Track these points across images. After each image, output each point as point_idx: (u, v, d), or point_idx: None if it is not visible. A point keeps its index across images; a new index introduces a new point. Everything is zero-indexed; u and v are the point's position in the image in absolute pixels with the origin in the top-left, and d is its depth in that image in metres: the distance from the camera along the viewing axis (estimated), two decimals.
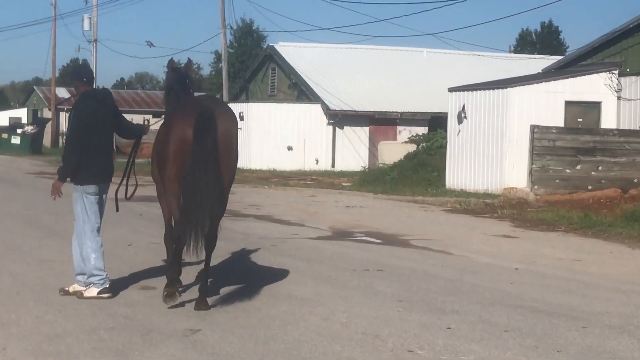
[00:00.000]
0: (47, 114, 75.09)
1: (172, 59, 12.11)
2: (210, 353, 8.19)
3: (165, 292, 10.05)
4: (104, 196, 10.78)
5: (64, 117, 67.01)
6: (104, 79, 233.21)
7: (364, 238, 17.68)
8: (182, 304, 10.18)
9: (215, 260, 13.14)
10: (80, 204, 10.56)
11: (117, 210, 11.35)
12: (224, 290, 11.14)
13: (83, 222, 10.58)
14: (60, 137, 65.97)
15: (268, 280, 12.04)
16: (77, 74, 11.21)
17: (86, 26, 62.02)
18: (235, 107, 46.75)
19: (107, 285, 10.56)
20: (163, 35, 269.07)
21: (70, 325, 9.17)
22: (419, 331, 9.25)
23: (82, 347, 8.30)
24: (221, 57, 55.70)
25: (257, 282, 11.80)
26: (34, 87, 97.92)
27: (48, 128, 68.21)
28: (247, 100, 52.63)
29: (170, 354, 8.13)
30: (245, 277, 12.10)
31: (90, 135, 10.48)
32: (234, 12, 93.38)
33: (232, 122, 10.35)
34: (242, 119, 45.10)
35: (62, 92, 72.59)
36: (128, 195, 11.36)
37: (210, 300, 10.39)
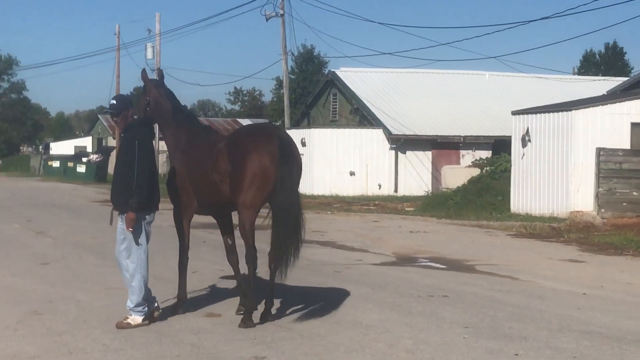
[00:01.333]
0: (112, 142, 76.07)
1: (144, 69, 12.07)
2: None
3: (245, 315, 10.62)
4: (151, 225, 10.85)
5: None
6: None
7: (428, 263, 17.56)
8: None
9: (279, 287, 13.19)
10: (140, 232, 10.59)
11: (111, 224, 11.23)
12: (289, 318, 11.14)
13: (142, 251, 10.65)
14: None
15: (332, 306, 12.01)
16: (126, 102, 11.02)
17: (149, 55, 62.73)
18: (297, 133, 47.02)
19: (147, 313, 10.73)
20: (224, 62, 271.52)
21: (138, 354, 9.22)
22: (485, 358, 9.15)
23: None
24: (282, 84, 55.94)
25: (322, 308, 11.78)
26: (99, 115, 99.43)
27: (112, 156, 68.98)
28: (308, 126, 52.79)
29: None
30: (309, 304, 12.06)
31: (149, 164, 10.58)
32: (295, 39, 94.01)
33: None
34: (304, 145, 45.22)
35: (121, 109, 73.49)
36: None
37: (274, 328, 10.44)
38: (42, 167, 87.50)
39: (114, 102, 10.87)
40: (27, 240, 21.33)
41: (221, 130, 11.46)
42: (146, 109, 11.70)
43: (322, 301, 12.43)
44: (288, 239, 10.68)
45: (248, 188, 10.41)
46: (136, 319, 10.57)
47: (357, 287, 13.83)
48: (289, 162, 10.51)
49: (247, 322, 10.51)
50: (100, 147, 74.84)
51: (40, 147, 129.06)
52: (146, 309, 10.67)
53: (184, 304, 11.53)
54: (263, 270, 11.43)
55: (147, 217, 10.62)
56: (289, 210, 10.59)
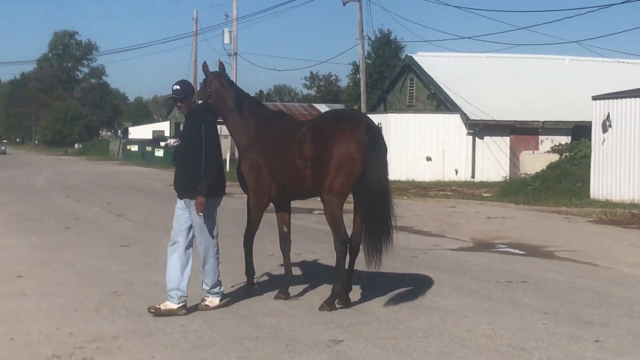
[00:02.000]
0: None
1: (205, 62, 11.96)
2: None
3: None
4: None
5: None
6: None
7: (506, 249, 17.38)
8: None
9: (355, 272, 13.18)
10: (212, 216, 10.58)
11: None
12: (366, 302, 11.11)
13: (214, 235, 10.64)
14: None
15: (410, 291, 11.96)
16: (189, 86, 10.91)
17: (226, 40, 63.15)
18: (374, 118, 46.79)
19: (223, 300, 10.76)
20: (301, 47, 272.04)
21: (216, 335, 9.28)
22: (566, 344, 9.02)
23: (228, 356, 8.38)
24: (359, 68, 55.85)
25: (399, 293, 11.74)
26: None
27: None
28: (385, 111, 52.67)
29: None
30: (386, 289, 12.01)
31: (215, 149, 10.50)
32: (372, 23, 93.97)
33: None
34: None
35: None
36: None
37: (352, 312, 10.44)
38: (121, 151, 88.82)
39: (178, 87, 10.71)
40: (107, 223, 21.64)
41: (297, 115, 11.30)
42: (208, 101, 11.61)
43: (399, 286, 12.37)
44: (379, 226, 10.53)
45: (336, 175, 10.26)
46: (214, 300, 10.66)
47: (434, 272, 13.74)
48: (378, 148, 10.38)
49: (330, 305, 10.51)
50: (178, 132, 74.93)
51: (119, 131, 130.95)
52: (222, 290, 10.75)
53: (252, 287, 11.55)
54: (325, 255, 11.38)
55: (218, 200, 10.68)
56: (379, 198, 10.43)
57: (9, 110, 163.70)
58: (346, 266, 10.84)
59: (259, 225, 11.63)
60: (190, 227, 10.52)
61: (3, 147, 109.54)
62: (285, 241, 11.60)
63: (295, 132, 10.86)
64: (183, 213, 10.54)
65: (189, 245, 10.58)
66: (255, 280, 11.80)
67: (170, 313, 10.21)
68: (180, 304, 10.35)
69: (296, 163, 10.66)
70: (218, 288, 10.68)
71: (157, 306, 10.31)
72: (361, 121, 10.56)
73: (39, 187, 38.64)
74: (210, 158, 10.38)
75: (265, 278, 12.98)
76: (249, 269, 11.59)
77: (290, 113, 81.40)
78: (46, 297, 11.39)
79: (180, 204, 10.58)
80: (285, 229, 11.60)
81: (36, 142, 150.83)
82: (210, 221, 10.54)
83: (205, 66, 11.81)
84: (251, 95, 12.13)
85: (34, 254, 15.61)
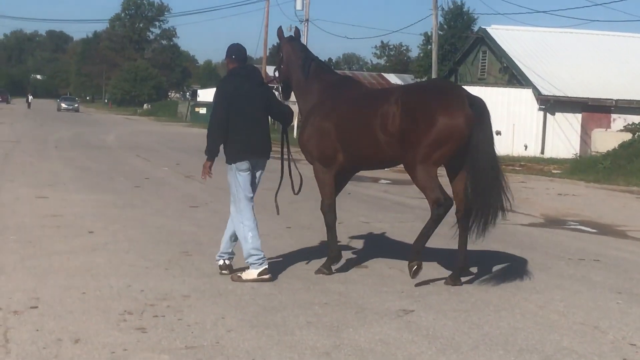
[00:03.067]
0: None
1: (280, 27, 11.78)
2: (424, 334, 8.07)
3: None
4: (258, 173, 10.53)
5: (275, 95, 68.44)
6: None
7: (578, 227, 17.15)
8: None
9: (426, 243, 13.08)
10: (234, 182, 10.37)
11: (278, 213, 11.22)
12: (436, 274, 11.03)
13: (239, 200, 10.35)
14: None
15: (480, 265, 11.84)
16: (227, 51, 10.69)
17: (298, 6, 62.90)
18: None
19: (266, 266, 10.17)
20: (372, 16, 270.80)
21: (285, 299, 9.26)
22: None
23: (297, 321, 8.35)
24: (430, 39, 55.42)
25: (470, 266, 11.61)
26: None
27: None
28: (455, 83, 52.23)
29: (384, 333, 8.06)
30: (456, 262, 11.89)
31: (234, 113, 10.23)
32: None
33: None
34: None
35: (272, 71, 74.03)
36: (296, 189, 11.01)
37: (422, 283, 10.34)
38: (190, 113, 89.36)
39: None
40: (176, 183, 21.79)
41: (365, 84, 10.96)
42: (280, 66, 11.51)
43: (470, 259, 12.23)
44: (495, 202, 10.25)
45: (437, 147, 9.81)
46: (249, 272, 10.14)
47: (505, 247, 13.60)
48: (485, 122, 10.08)
49: (455, 280, 10.40)
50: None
51: (188, 93, 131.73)
52: (261, 259, 10.13)
53: (336, 260, 10.98)
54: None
55: (240, 165, 10.31)
56: (493, 173, 10.14)
57: (81, 69, 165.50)
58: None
59: (335, 196, 11.11)
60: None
61: (76, 105, 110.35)
62: (334, 214, 11.01)
63: (377, 103, 10.35)
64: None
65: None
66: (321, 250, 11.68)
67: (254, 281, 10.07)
68: (248, 270, 10.22)
69: (376, 136, 10.19)
70: (254, 259, 10.11)
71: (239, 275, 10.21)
72: (463, 93, 10.17)
73: (109, 145, 39.05)
74: (213, 121, 10.32)
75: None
76: (333, 244, 10.94)
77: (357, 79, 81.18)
78: (117, 253, 11.48)
79: None
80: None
81: (106, 101, 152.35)
82: (233, 187, 10.41)
83: (279, 31, 11.68)
84: (321, 60, 11.79)
85: (105, 210, 15.75)
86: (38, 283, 9.52)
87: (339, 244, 11.23)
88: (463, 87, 10.44)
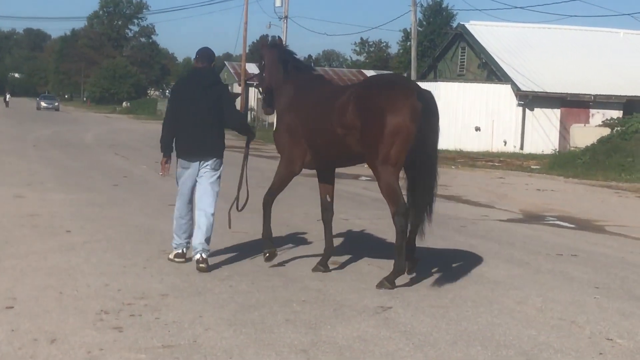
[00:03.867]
0: (237, 89, 76.72)
1: (264, 35, 12.20)
2: (402, 331, 8.07)
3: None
4: (204, 170, 10.87)
5: (253, 93, 68.45)
6: None
7: (556, 222, 17.21)
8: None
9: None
10: (177, 175, 11.09)
11: (230, 227, 11.42)
12: (415, 270, 11.01)
13: (179, 192, 11.08)
14: (248, 112, 67.26)
15: (458, 261, 11.88)
16: (196, 53, 11.19)
17: (278, 3, 62.88)
18: (423, 86, 46.50)
19: (181, 251, 10.95)
20: (352, 12, 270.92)
21: (264, 297, 9.24)
22: (617, 319, 8.89)
23: (275, 318, 8.34)
24: (410, 35, 55.51)
25: (448, 263, 11.66)
26: (225, 62, 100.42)
27: (238, 103, 69.60)
28: (435, 79, 52.32)
29: (362, 330, 8.06)
30: (435, 258, 11.93)
31: (179, 113, 10.79)
32: None
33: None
34: None
35: (252, 68, 73.84)
36: (239, 207, 11.24)
37: (400, 279, 10.32)
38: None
39: None
40: (155, 182, 21.67)
41: (344, 81, 11.01)
42: (262, 74, 11.50)
43: (448, 255, 12.29)
44: (428, 196, 10.08)
45: (391, 145, 9.65)
46: (173, 252, 11.06)
47: (483, 243, 13.64)
48: (432, 115, 9.90)
49: (391, 283, 9.97)
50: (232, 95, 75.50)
51: (167, 91, 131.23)
52: (176, 245, 11.02)
53: (268, 244, 10.92)
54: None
55: (180, 162, 10.99)
56: (430, 167, 9.98)
57: (59, 67, 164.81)
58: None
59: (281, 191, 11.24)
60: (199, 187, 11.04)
61: (57, 104, 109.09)
62: (327, 212, 11.13)
63: (335, 98, 10.38)
64: None
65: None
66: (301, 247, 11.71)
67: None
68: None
69: (335, 130, 10.20)
70: (173, 242, 11.08)
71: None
72: (412, 87, 10.09)
73: (87, 143, 38.91)
74: (164, 121, 11.13)
75: (315, 242, 12.92)
76: (267, 233, 11.00)
77: (339, 79, 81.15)
78: (95, 252, 11.42)
79: None
80: (329, 199, 11.18)
81: (84, 99, 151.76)
82: (177, 179, 11.15)
83: (262, 40, 11.78)
84: (299, 60, 11.73)
85: (83, 209, 15.68)
86: (15, 283, 9.47)
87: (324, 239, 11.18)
88: (413, 80, 10.33)
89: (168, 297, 9.07)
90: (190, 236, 10.93)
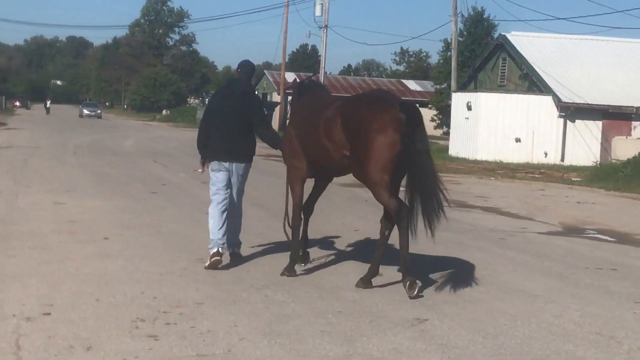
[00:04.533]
0: (276, 98, 76.89)
1: (295, 80, 12.76)
2: (438, 344, 8.01)
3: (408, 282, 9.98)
4: (235, 174, 11.57)
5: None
6: (332, 65, 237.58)
7: (596, 235, 17.02)
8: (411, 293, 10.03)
9: (441, 251, 13.05)
10: (211, 178, 11.61)
11: (289, 239, 11.48)
12: (451, 282, 10.94)
13: (210, 192, 11.62)
14: (286, 121, 67.34)
15: (496, 273, 11.78)
16: (238, 65, 12.05)
17: (317, 12, 62.88)
18: (464, 97, 46.46)
19: (216, 250, 11.10)
20: (392, 22, 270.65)
21: (299, 307, 9.21)
22: None
23: (310, 329, 8.31)
24: (450, 46, 55.25)
25: (486, 275, 11.57)
26: (265, 71, 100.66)
27: (277, 111, 69.65)
28: (475, 89, 52.07)
29: (397, 342, 8.01)
30: (472, 270, 11.85)
31: (212, 120, 11.58)
32: (466, 0, 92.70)
33: None
34: (469, 108, 44.63)
35: (291, 77, 74.03)
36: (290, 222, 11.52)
37: (437, 291, 10.29)
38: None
39: None
40: (193, 190, 21.75)
41: (328, 93, 11.39)
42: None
43: (486, 268, 12.19)
44: (431, 203, 10.00)
45: (376, 156, 9.78)
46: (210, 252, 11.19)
47: (522, 255, 13.53)
48: (416, 126, 9.86)
49: (365, 284, 10.33)
50: (265, 102, 75.67)
51: (207, 99, 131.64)
52: (212, 244, 11.19)
53: (293, 266, 11.04)
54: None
55: (212, 165, 11.59)
56: (424, 178, 9.94)
57: (100, 74, 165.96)
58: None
59: (301, 202, 11.36)
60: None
61: (99, 111, 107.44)
62: (299, 218, 11.27)
63: (322, 113, 10.57)
64: None
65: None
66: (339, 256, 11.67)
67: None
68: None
69: (322, 143, 10.44)
70: (210, 246, 11.26)
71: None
72: (394, 100, 10.12)
73: (126, 150, 39.11)
74: (199, 128, 11.85)
75: (351, 251, 12.88)
76: (294, 245, 11.20)
77: (378, 88, 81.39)
78: (132, 260, 11.46)
79: None
80: (312, 204, 11.65)
81: (125, 106, 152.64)
82: (210, 181, 11.70)
83: (295, 84, 12.34)
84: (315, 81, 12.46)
85: (121, 216, 15.75)
86: (52, 290, 9.52)
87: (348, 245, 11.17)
88: (396, 96, 10.43)
89: (203, 306, 9.06)
90: (224, 235, 11.34)
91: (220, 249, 11.14)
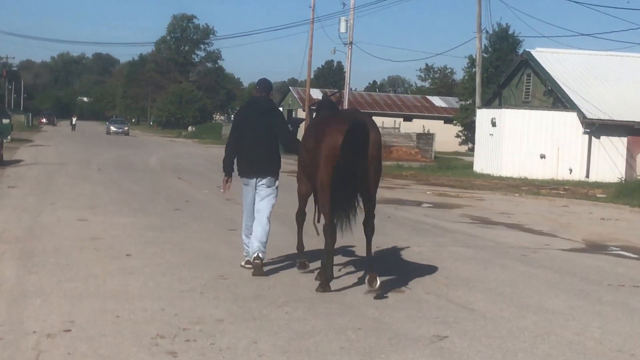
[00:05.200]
0: (301, 114, 76.97)
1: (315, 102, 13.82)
2: None
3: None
4: (263, 187, 12.29)
5: None
6: (356, 81, 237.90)
7: (619, 252, 16.93)
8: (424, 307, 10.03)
9: (463, 268, 13.06)
10: (242, 192, 12.50)
11: (317, 234, 11.89)
12: (472, 299, 10.94)
13: (243, 208, 12.52)
14: None
15: (518, 290, 11.75)
16: (256, 83, 12.91)
17: (342, 29, 62.87)
18: (488, 113, 46.38)
19: (249, 259, 12.16)
20: (417, 38, 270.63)
21: (319, 324, 9.22)
22: None
23: (330, 346, 8.31)
24: (475, 62, 55.21)
25: (507, 292, 11.55)
26: (290, 87, 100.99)
27: (302, 128, 69.69)
28: (500, 106, 52.01)
29: (416, 359, 8.00)
30: (494, 286, 11.83)
31: (240, 136, 12.30)
32: (490, 17, 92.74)
33: (379, 134, 11.20)
34: (494, 125, 44.55)
35: (317, 94, 74.09)
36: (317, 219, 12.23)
37: (457, 308, 10.29)
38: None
39: None
40: (216, 206, 21.82)
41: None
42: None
43: (507, 284, 12.16)
44: (342, 205, 11.08)
45: (321, 167, 10.95)
46: (244, 260, 12.45)
47: (544, 272, 13.49)
48: (360, 144, 10.70)
49: (324, 287, 11.01)
50: (290, 119, 75.77)
51: (232, 116, 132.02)
52: (245, 254, 12.40)
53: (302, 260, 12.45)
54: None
55: (242, 180, 12.43)
56: (345, 182, 10.87)
57: (126, 91, 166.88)
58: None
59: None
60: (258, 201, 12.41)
61: (126, 128, 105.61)
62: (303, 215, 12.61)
63: (309, 128, 12.10)
64: None
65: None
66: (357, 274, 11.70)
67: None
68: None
69: (304, 155, 11.90)
70: (244, 252, 12.50)
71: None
72: (347, 120, 10.92)
73: (151, 167, 39.28)
74: (226, 144, 12.68)
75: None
76: (299, 245, 12.54)
77: (403, 105, 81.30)
78: (153, 276, 11.51)
79: None
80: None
81: (151, 123, 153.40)
82: (243, 194, 12.54)
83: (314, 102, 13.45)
84: (331, 105, 13.14)
85: (144, 233, 15.83)
86: (73, 306, 9.58)
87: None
88: (361, 114, 11.59)
89: (223, 323, 9.09)
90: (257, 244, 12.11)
91: (253, 258, 11.99)
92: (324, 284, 11.00)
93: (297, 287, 11.11)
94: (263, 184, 12.27)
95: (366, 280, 10.99)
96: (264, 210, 12.22)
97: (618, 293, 12.03)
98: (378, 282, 10.80)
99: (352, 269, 12.86)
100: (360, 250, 13.13)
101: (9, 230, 15.54)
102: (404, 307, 10.27)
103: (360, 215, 11.22)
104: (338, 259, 12.98)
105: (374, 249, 11.50)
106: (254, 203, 12.31)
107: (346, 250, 14.16)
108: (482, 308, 10.45)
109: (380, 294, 10.77)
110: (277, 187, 12.39)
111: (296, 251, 12.68)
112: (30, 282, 10.86)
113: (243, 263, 12.43)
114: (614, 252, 17.01)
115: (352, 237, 11.83)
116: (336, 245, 11.29)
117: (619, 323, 10.01)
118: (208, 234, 16.17)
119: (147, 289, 10.70)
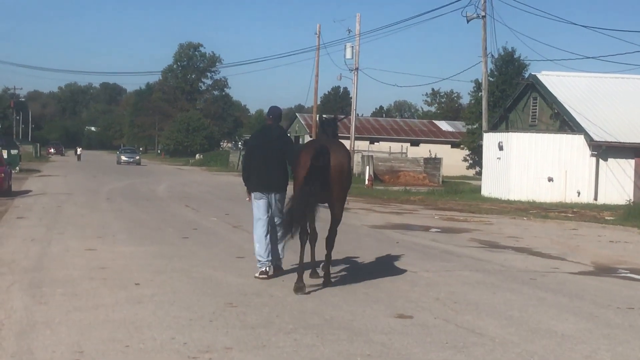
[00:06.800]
0: (308, 139, 77.13)
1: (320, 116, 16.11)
2: None
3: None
4: (273, 202, 14.31)
5: None
6: (363, 106, 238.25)
7: (628, 275, 16.89)
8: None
9: (471, 292, 13.05)
10: (253, 206, 14.41)
11: (292, 238, 13.45)
12: (481, 324, 10.93)
13: (254, 218, 14.38)
14: None
15: (527, 314, 11.73)
16: (267, 111, 14.97)
17: (348, 55, 63.16)
18: (495, 137, 46.40)
19: (264, 269, 14.03)
20: (422, 63, 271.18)
21: (327, 351, 9.21)
22: None
23: None
24: (481, 86, 55.34)
25: (516, 315, 11.53)
26: (297, 114, 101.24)
27: None
28: (506, 129, 52.03)
29: None
30: (502, 310, 11.82)
31: (252, 159, 14.37)
32: (496, 41, 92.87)
33: (344, 155, 13.50)
34: (501, 148, 44.56)
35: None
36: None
37: (466, 332, 10.27)
38: (241, 163, 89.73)
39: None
40: (224, 234, 21.85)
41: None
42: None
43: (516, 308, 12.14)
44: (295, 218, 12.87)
45: (297, 178, 13.19)
46: (258, 271, 14.16)
47: (553, 296, 13.46)
48: (321, 169, 12.84)
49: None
50: (297, 145, 75.84)
51: (240, 143, 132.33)
52: (260, 264, 14.12)
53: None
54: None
55: (254, 194, 14.35)
56: (304, 198, 12.79)
57: (134, 120, 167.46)
58: None
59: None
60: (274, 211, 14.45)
61: (137, 157, 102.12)
62: (305, 235, 13.39)
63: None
64: None
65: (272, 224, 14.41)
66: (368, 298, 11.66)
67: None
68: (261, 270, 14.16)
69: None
70: (258, 263, 14.20)
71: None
72: (314, 148, 13.17)
73: (159, 195, 39.35)
74: (242, 165, 14.83)
75: (385, 296, 12.87)
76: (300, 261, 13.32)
77: (410, 130, 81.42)
78: (162, 305, 11.51)
79: None
80: (310, 227, 13.45)
81: (158, 151, 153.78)
82: (253, 208, 14.45)
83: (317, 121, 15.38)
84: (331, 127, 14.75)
85: (152, 262, 15.85)
86: (82, 336, 9.58)
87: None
88: (322, 144, 13.37)
89: (232, 351, 9.09)
90: (270, 254, 14.11)
91: (267, 268, 14.03)
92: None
93: (305, 313, 11.11)
94: (274, 199, 14.30)
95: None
96: (276, 223, 14.19)
97: (627, 316, 12.00)
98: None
99: (361, 295, 12.85)
100: (370, 276, 13.19)
101: (18, 261, 15.58)
102: (412, 333, 10.26)
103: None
104: (346, 284, 12.96)
105: (382, 274, 11.44)
106: (266, 212, 14.22)
107: (354, 277, 14.15)
108: (491, 332, 10.43)
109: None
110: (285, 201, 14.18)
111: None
112: (39, 313, 10.87)
113: (257, 274, 14.02)
114: (622, 274, 16.97)
115: (366, 263, 11.81)
116: (348, 276, 11.29)
117: (628, 346, 9.99)
118: (216, 261, 16.18)
119: (156, 317, 10.71)
